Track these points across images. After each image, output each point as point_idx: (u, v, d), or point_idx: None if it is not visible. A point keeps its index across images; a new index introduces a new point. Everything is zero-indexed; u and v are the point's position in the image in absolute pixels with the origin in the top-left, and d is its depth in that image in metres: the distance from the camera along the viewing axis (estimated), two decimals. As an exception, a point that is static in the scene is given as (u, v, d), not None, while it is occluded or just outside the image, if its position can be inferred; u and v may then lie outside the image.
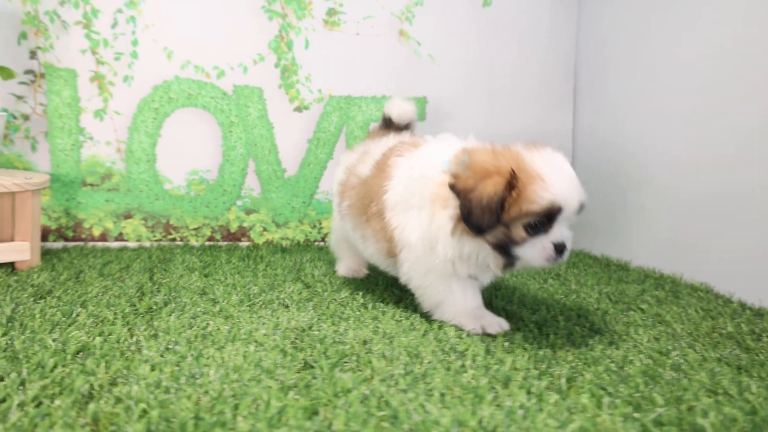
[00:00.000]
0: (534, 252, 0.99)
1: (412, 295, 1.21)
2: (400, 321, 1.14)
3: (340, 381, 0.83)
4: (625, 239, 1.81)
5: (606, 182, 1.86)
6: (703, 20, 1.58)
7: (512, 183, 0.96)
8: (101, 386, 0.79)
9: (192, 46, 1.81)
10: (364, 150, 1.36)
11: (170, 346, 0.95)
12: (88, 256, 1.63)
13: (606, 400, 0.80)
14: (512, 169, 0.97)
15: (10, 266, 1.47)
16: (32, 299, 1.19)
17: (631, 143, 1.82)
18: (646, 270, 1.68)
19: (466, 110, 2.00)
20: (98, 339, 0.97)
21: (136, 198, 1.84)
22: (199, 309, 1.17)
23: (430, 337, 1.05)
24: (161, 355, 0.91)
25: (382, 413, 0.74)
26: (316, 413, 0.74)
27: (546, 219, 0.97)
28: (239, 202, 1.90)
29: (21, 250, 1.47)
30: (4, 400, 0.74)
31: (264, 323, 1.09)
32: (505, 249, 1.01)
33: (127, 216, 1.83)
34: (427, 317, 1.17)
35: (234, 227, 1.91)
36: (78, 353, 0.91)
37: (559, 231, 0.99)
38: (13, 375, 0.81)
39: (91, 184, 1.81)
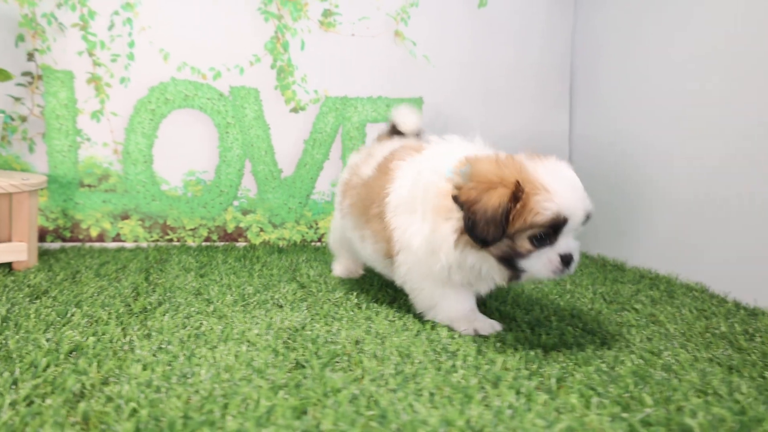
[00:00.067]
0: (540, 264, 0.97)
1: (406, 295, 1.21)
2: (393, 321, 1.15)
3: (330, 381, 0.83)
4: (621, 239, 1.81)
5: (602, 182, 1.87)
6: (696, 20, 1.58)
7: (517, 194, 0.94)
8: (93, 385, 0.80)
9: (188, 47, 1.82)
10: (368, 152, 1.36)
11: (163, 346, 0.96)
12: (85, 257, 1.64)
13: (595, 400, 0.80)
14: (517, 180, 0.95)
15: (8, 267, 1.48)
16: (28, 299, 1.20)
17: (627, 143, 1.82)
18: (641, 270, 1.68)
19: (461, 111, 2.00)
20: (91, 339, 0.97)
21: (133, 199, 1.84)
22: (193, 309, 1.17)
23: (423, 337, 1.06)
24: (153, 355, 0.92)
25: (370, 413, 0.74)
26: (304, 413, 0.74)
27: (551, 230, 0.95)
28: (236, 203, 1.91)
29: (18, 251, 1.48)
30: (-5, 400, 0.75)
31: (257, 323, 1.10)
32: (510, 261, 0.99)
33: (125, 217, 1.84)
34: (420, 318, 1.18)
35: (231, 228, 1.91)
36: (71, 353, 0.92)
37: (565, 242, 0.98)
38: (6, 374, 0.82)
39: (89, 185, 1.81)
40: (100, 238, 1.83)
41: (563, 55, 2.07)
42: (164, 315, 1.12)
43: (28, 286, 1.31)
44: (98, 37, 1.77)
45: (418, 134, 1.46)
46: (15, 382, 0.80)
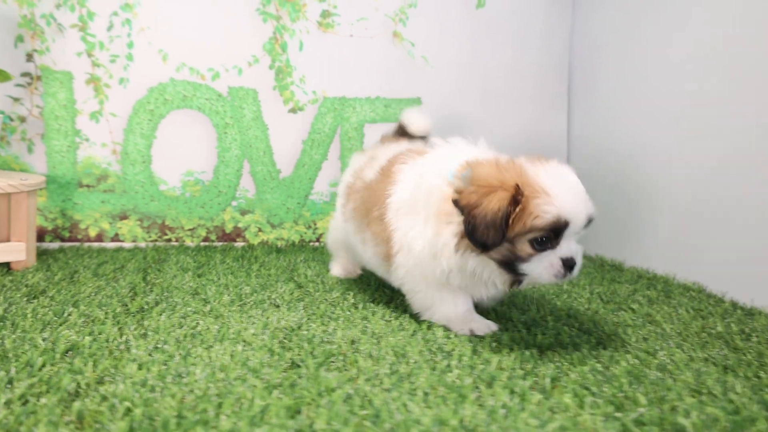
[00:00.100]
0: (541, 268, 0.96)
1: (403, 296, 1.21)
2: (390, 321, 1.15)
3: (324, 380, 0.83)
4: (620, 239, 1.81)
5: (601, 183, 1.87)
6: (694, 21, 1.58)
7: (517, 198, 0.94)
8: (88, 385, 0.80)
9: (187, 48, 1.82)
10: (371, 156, 1.36)
11: (159, 346, 0.96)
12: (83, 257, 1.64)
13: (589, 399, 0.80)
14: (517, 184, 0.94)
15: (6, 266, 1.49)
16: (25, 299, 1.20)
17: (625, 144, 1.82)
18: (639, 270, 1.68)
19: (460, 111, 2.00)
20: (88, 338, 0.97)
21: (132, 199, 1.85)
22: (189, 309, 1.17)
23: (418, 337, 1.06)
24: (149, 354, 0.92)
25: (364, 412, 0.74)
26: (298, 412, 0.74)
27: (552, 234, 0.95)
28: (234, 203, 1.91)
29: (16, 251, 1.48)
30: (-10, 399, 0.75)
31: (254, 323, 1.10)
32: (510, 266, 0.98)
33: (123, 217, 1.85)
34: (416, 318, 1.18)
35: (229, 228, 1.92)
36: (67, 352, 0.92)
37: (567, 246, 0.97)
38: (2, 373, 0.82)
39: (87, 186, 1.82)
40: (99, 238, 1.84)
41: (561, 56, 2.07)
42: (161, 315, 1.13)
43: (26, 285, 1.31)
44: (97, 37, 1.77)
45: (423, 137, 1.47)
46: (10, 381, 0.80)
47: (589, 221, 0.98)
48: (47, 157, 1.78)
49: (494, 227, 0.93)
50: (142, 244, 1.85)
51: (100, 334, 1.01)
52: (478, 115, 2.02)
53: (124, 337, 0.99)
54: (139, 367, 0.87)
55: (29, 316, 1.09)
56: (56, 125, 1.78)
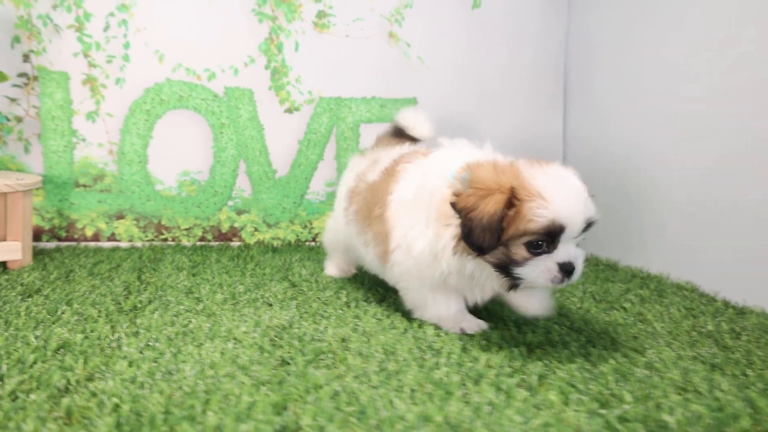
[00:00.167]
0: (536, 272, 0.95)
1: (396, 294, 1.22)
2: (381, 320, 1.16)
3: (313, 377, 0.84)
4: (614, 239, 1.82)
5: (596, 183, 1.86)
6: (690, 21, 1.58)
7: (512, 201, 0.93)
8: (78, 381, 0.81)
9: (183, 48, 1.83)
10: (374, 158, 1.35)
11: (150, 343, 0.97)
12: (79, 256, 1.65)
13: (574, 396, 0.81)
14: (512, 186, 0.93)
15: (2, 266, 1.50)
16: (20, 297, 1.21)
17: (620, 145, 1.83)
18: (633, 269, 1.68)
19: (455, 112, 2.01)
20: (80, 336, 0.98)
21: (128, 199, 1.86)
22: (182, 307, 1.18)
23: (409, 335, 1.06)
24: (140, 352, 0.93)
25: (351, 409, 0.75)
26: (285, 408, 0.75)
27: (548, 238, 0.94)
28: (230, 203, 1.92)
29: (12, 250, 1.49)
30: (-19, 395, 0.76)
31: (245, 321, 1.11)
32: (507, 270, 0.97)
33: (120, 216, 1.86)
34: (407, 316, 1.18)
35: (225, 227, 1.92)
36: (58, 350, 0.93)
37: (565, 251, 0.95)
38: (-7, 370, 0.83)
39: (84, 185, 1.83)
40: (96, 237, 1.85)
41: (557, 57, 2.08)
42: (153, 313, 1.13)
43: (21, 284, 1.32)
44: (94, 38, 1.78)
45: (424, 139, 1.45)
46: (1, 378, 0.81)
47: (589, 225, 0.97)
48: (44, 157, 1.79)
49: (490, 230, 0.93)
50: (139, 244, 1.86)
51: (92, 332, 1.01)
52: (473, 115, 2.02)
53: (116, 335, 1.00)
54: (130, 365, 0.87)
55: (23, 314, 1.10)
56: (53, 125, 1.79)
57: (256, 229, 1.94)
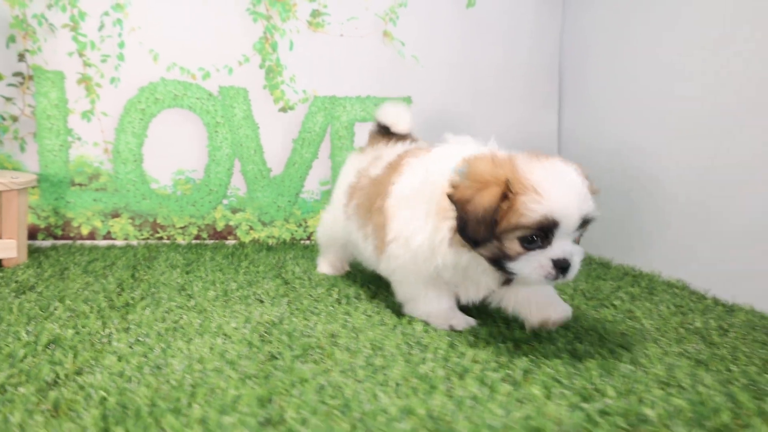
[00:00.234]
0: (529, 268, 0.93)
1: (387, 291, 1.23)
2: (371, 316, 1.16)
3: (299, 372, 0.85)
4: (607, 238, 1.83)
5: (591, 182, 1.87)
6: (684, 20, 1.59)
7: (506, 194, 0.92)
8: (66, 375, 0.82)
9: (178, 48, 1.84)
10: (376, 155, 1.36)
11: (140, 339, 0.98)
12: (75, 254, 1.66)
13: (557, 391, 0.81)
14: (507, 179, 0.92)
15: (-3, 263, 1.51)
16: (13, 294, 1.22)
17: (615, 144, 1.83)
18: (625, 267, 1.69)
19: (450, 111, 2.01)
20: (71, 331, 0.99)
21: (124, 197, 1.87)
22: (174, 304, 1.19)
23: (398, 331, 1.07)
24: (130, 347, 0.94)
25: (335, 402, 0.76)
26: (270, 401, 0.76)
27: (542, 233, 0.92)
28: (225, 201, 1.93)
29: (7, 248, 1.50)
30: (-30, 388, 0.77)
31: (236, 317, 1.12)
32: (500, 264, 0.96)
33: (115, 215, 1.87)
34: (397, 313, 1.19)
35: (220, 226, 1.93)
36: (49, 345, 0.94)
37: (560, 247, 0.93)
38: (-17, 365, 0.84)
39: (79, 184, 1.84)
40: (91, 236, 1.86)
41: (552, 56, 2.08)
42: (145, 309, 1.14)
43: (15, 281, 1.33)
44: (88, 37, 1.79)
45: (407, 135, 1.45)
46: (-9, 372, 0.82)
47: (586, 222, 0.95)
48: (39, 156, 1.80)
49: (485, 223, 0.92)
50: (134, 242, 1.87)
51: (83, 327, 1.02)
52: (468, 114, 2.03)
53: (107, 331, 1.01)
54: (119, 359, 0.88)
55: (15, 310, 1.11)
56: (48, 124, 1.80)
57: (251, 228, 1.95)
